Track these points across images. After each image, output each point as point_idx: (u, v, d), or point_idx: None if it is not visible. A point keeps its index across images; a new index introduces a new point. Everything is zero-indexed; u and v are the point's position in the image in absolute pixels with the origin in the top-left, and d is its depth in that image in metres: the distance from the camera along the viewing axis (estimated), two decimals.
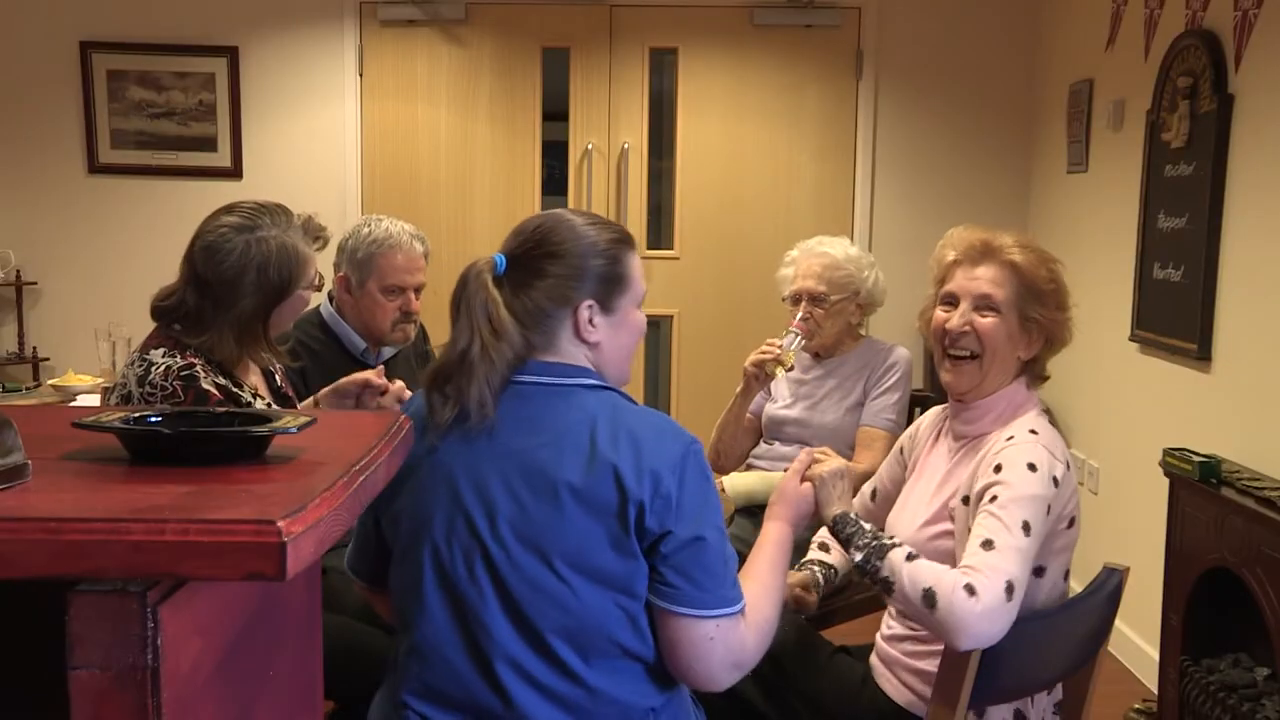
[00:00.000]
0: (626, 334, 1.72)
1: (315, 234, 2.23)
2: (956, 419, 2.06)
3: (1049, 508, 1.83)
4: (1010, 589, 1.73)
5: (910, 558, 1.82)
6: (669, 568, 1.57)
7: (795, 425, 3.09)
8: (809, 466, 2.00)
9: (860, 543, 1.89)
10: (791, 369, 2.94)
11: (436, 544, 1.60)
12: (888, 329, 4.83)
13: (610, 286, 1.67)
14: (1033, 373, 2.04)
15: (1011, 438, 1.91)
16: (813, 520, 2.00)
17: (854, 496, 2.09)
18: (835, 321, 3.05)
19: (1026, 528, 1.79)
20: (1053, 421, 2.02)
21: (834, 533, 1.96)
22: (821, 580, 2.24)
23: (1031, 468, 1.83)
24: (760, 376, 2.92)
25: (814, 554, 2.30)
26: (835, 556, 2.27)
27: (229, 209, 2.17)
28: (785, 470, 3.00)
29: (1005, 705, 1.91)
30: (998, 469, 1.86)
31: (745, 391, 2.98)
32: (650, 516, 1.55)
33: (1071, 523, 1.92)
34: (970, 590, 1.72)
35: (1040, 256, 2.01)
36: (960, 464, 2.00)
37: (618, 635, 1.59)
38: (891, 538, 1.90)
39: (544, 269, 1.65)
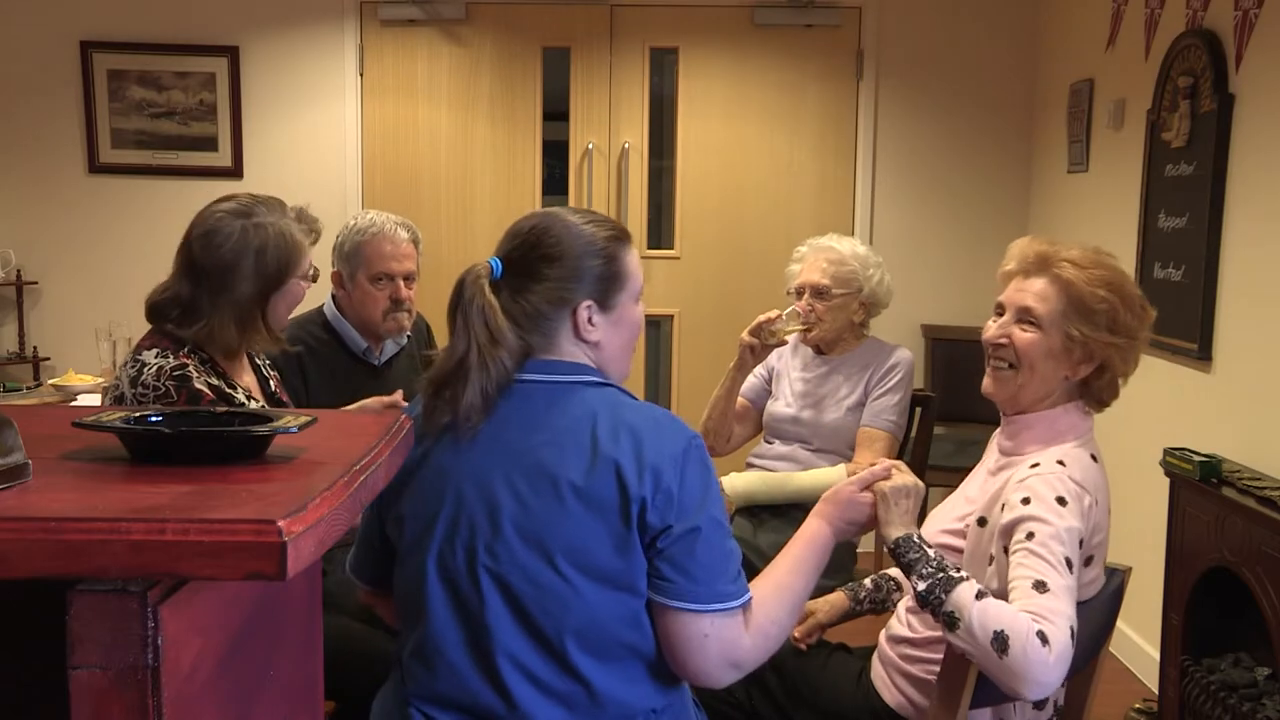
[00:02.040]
0: (626, 330, 1.71)
1: (309, 225, 2.23)
2: (1001, 432, 2.02)
3: (1081, 541, 1.80)
4: (1073, 633, 1.68)
5: (980, 595, 1.72)
6: (664, 561, 1.57)
7: (796, 424, 3.10)
8: (880, 479, 1.87)
9: (924, 571, 1.79)
10: (784, 343, 2.96)
11: (440, 545, 1.60)
12: (889, 329, 4.83)
13: (608, 285, 1.67)
14: (1090, 398, 1.93)
15: (1037, 465, 1.85)
16: (860, 532, 1.91)
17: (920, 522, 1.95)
18: (837, 316, 3.06)
19: (1069, 564, 1.74)
20: (1096, 457, 1.92)
21: (894, 556, 1.84)
22: (856, 604, 2.24)
23: (1061, 501, 1.78)
24: (756, 349, 2.92)
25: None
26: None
27: (225, 198, 2.19)
28: (783, 470, 3.03)
29: (987, 709, 1.90)
30: (1025, 501, 1.80)
31: (740, 366, 2.98)
32: (652, 512, 1.55)
33: (1089, 561, 1.86)
34: (1043, 639, 1.65)
35: (1098, 276, 1.90)
36: (991, 481, 1.98)
37: (620, 634, 1.59)
38: (958, 570, 1.79)
39: (541, 271, 1.64)
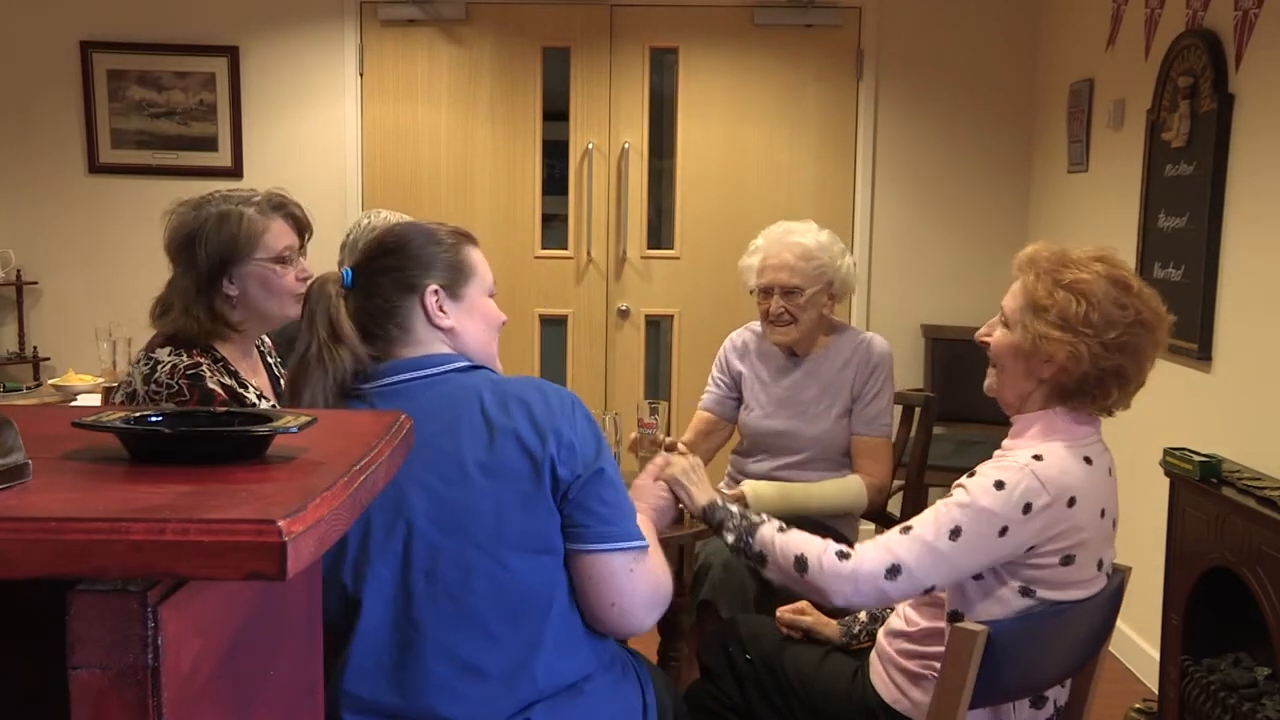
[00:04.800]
0: (482, 321, 1.78)
1: (278, 205, 2.20)
2: (1009, 431, 2.04)
3: (1005, 529, 1.80)
4: (894, 571, 1.80)
5: (782, 530, 1.93)
6: (575, 507, 1.64)
7: (781, 437, 2.98)
8: (662, 470, 2.10)
9: (730, 525, 1.99)
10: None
11: (355, 556, 1.61)
12: (889, 329, 4.83)
13: (454, 274, 1.75)
14: (1079, 400, 1.90)
15: (1008, 452, 1.90)
16: (679, 515, 2.17)
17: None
18: (810, 314, 2.92)
19: (955, 534, 1.80)
20: (1091, 460, 1.90)
21: (706, 522, 2.06)
22: (850, 639, 2.26)
23: (999, 485, 1.81)
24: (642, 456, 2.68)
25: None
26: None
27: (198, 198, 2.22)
28: (799, 482, 2.91)
29: (983, 710, 1.90)
30: (971, 474, 1.86)
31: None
32: (562, 467, 1.62)
33: (1069, 560, 1.85)
34: (843, 555, 1.84)
35: (1062, 275, 1.87)
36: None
37: (549, 599, 1.64)
38: (759, 515, 1.99)
39: (386, 265, 1.72)
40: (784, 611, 2.30)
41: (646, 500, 2.05)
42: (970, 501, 1.81)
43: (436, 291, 1.72)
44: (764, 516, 1.99)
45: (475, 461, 1.61)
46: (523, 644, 1.63)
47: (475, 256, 1.80)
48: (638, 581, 1.68)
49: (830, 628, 2.27)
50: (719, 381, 3.13)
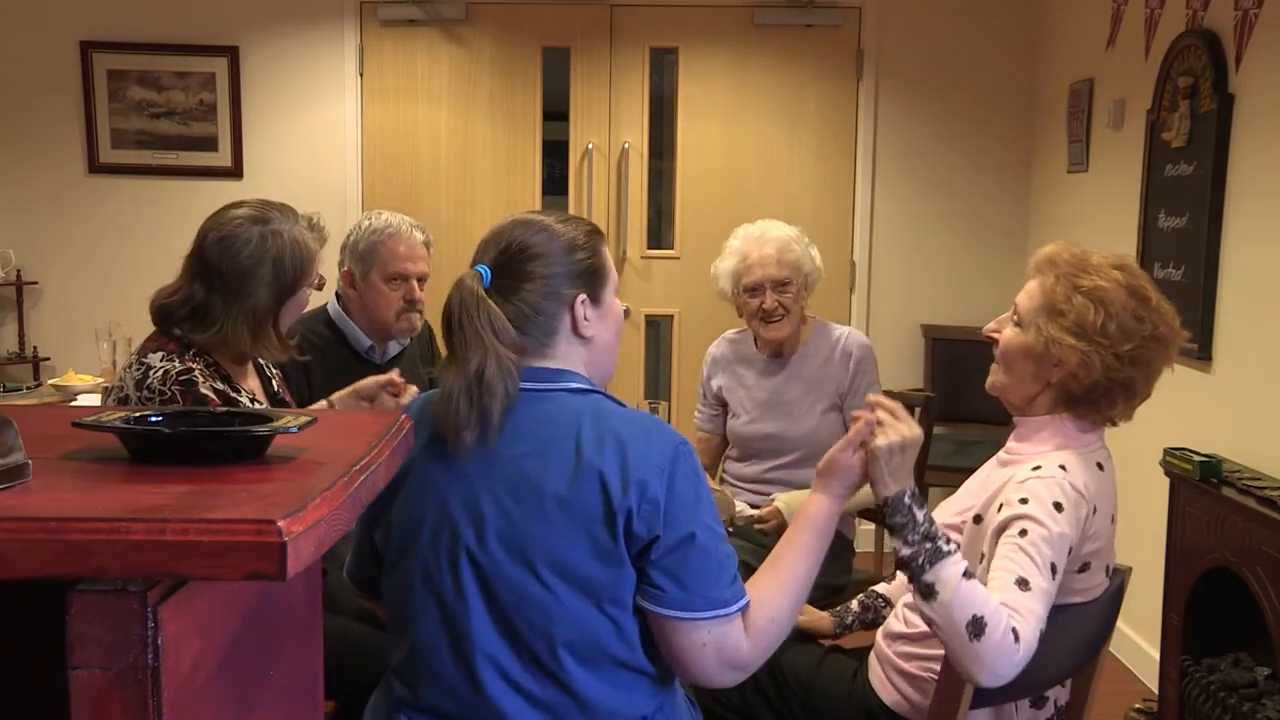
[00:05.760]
0: (613, 323, 1.71)
1: (318, 233, 2.25)
2: (1013, 432, 2.02)
3: (1071, 549, 1.80)
4: (1041, 636, 1.69)
5: (967, 575, 1.68)
6: (657, 570, 1.54)
7: (769, 440, 2.99)
8: (867, 436, 1.74)
9: (912, 537, 1.71)
10: None
11: (425, 554, 1.59)
12: (890, 329, 4.84)
13: (595, 278, 1.66)
14: (1085, 408, 1.89)
15: (1039, 468, 1.85)
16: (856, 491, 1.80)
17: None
18: (797, 307, 2.94)
19: (1054, 570, 1.74)
20: (1103, 466, 1.90)
21: (881, 513, 1.76)
22: (842, 629, 2.24)
23: (1058, 507, 1.78)
24: None
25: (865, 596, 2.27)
26: (895, 591, 2.22)
27: (236, 204, 2.19)
28: (779, 491, 2.91)
29: (985, 710, 1.90)
30: (1023, 501, 1.79)
31: None
32: (638, 522, 1.52)
33: (1085, 568, 1.86)
34: (1016, 636, 1.65)
35: (1083, 281, 1.85)
36: (991, 479, 1.98)
37: (605, 643, 1.57)
38: (949, 542, 1.72)
39: (531, 271, 1.62)
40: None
41: (835, 478, 1.74)
42: (1050, 533, 1.75)
43: (584, 301, 1.64)
44: (953, 547, 1.71)
45: (553, 494, 1.53)
46: (572, 679, 1.56)
47: (607, 253, 1.71)
48: (708, 654, 1.55)
49: (823, 621, 2.26)
50: (705, 401, 3.15)
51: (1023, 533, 1.75)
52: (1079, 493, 1.81)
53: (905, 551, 1.72)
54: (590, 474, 1.53)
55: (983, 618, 1.64)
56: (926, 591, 1.69)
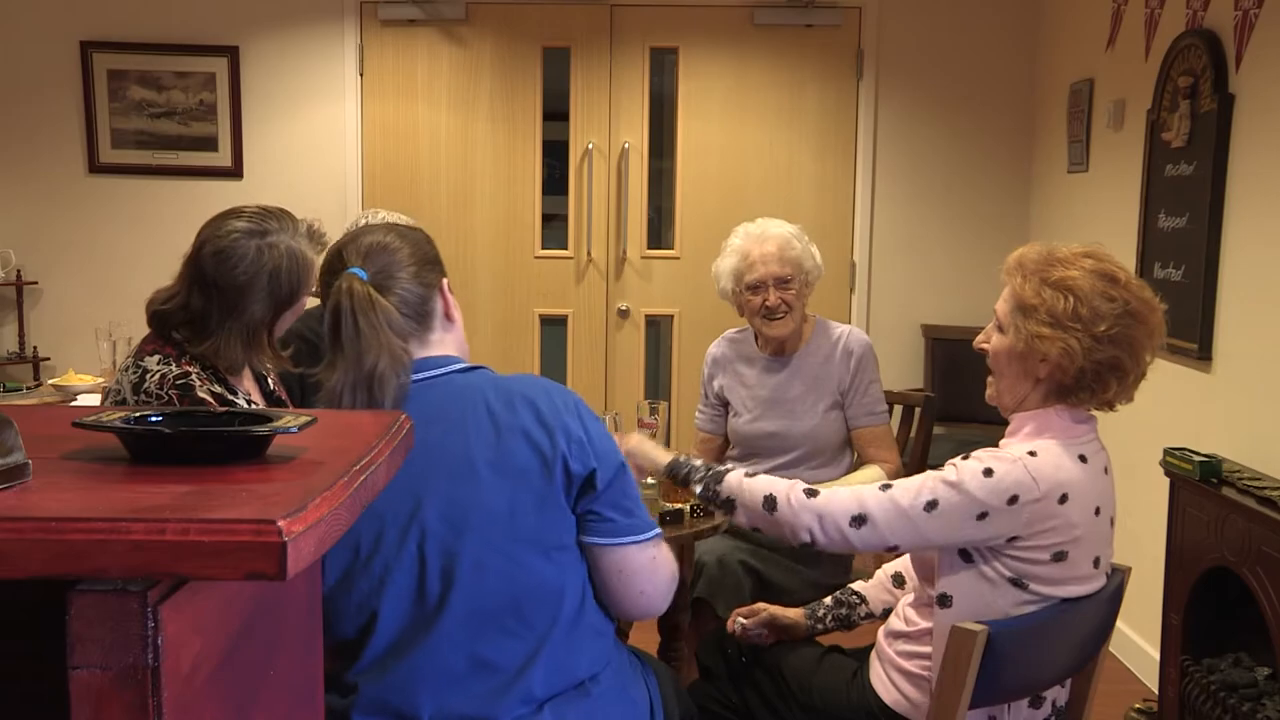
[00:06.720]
0: (457, 308, 1.82)
1: (317, 241, 2.22)
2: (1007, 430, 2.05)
3: (984, 515, 1.81)
4: (859, 520, 1.84)
5: (748, 475, 1.99)
6: (603, 504, 1.67)
7: (771, 439, 2.99)
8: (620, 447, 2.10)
9: (697, 476, 2.06)
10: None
11: (373, 565, 1.62)
12: (890, 329, 4.84)
13: (442, 266, 1.79)
14: (1079, 396, 1.90)
15: (1005, 445, 1.91)
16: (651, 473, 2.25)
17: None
18: (800, 303, 2.94)
19: (931, 506, 1.82)
20: (1086, 459, 1.89)
21: (673, 478, 2.13)
22: (815, 622, 2.27)
23: (988, 473, 1.82)
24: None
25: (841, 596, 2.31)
26: (871, 591, 2.28)
27: (234, 213, 2.15)
28: (822, 482, 2.92)
29: (981, 710, 1.90)
30: (965, 456, 1.88)
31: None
32: (574, 462, 1.64)
33: (1060, 556, 1.85)
34: (811, 493, 1.89)
35: (1049, 274, 1.89)
36: None
37: (564, 594, 1.65)
38: (723, 465, 2.07)
39: (399, 262, 1.72)
40: (738, 613, 2.28)
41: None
42: (956, 481, 1.83)
43: (447, 284, 1.77)
44: (729, 466, 2.07)
45: (484, 460, 1.62)
46: (535, 638, 1.64)
47: None
48: (659, 567, 1.74)
49: (792, 614, 2.27)
50: (707, 401, 3.15)
51: (939, 470, 1.87)
52: (1033, 477, 1.82)
53: (698, 488, 2.05)
54: (512, 432, 1.63)
55: (770, 493, 1.94)
56: (729, 507, 2.01)
